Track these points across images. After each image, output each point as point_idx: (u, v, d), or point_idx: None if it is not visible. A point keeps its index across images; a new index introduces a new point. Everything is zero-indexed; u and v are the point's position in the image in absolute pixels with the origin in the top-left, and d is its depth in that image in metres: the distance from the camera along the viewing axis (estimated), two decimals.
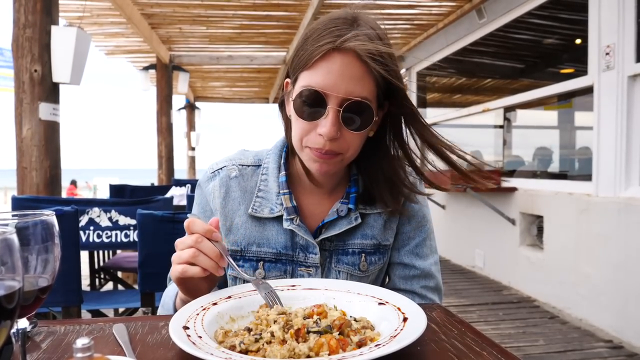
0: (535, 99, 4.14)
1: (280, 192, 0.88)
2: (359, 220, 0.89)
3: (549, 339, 2.86)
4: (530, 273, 3.78)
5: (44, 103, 2.54)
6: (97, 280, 2.85)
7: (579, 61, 3.47)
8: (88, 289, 2.71)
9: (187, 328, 0.58)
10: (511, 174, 4.61)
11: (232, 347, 0.55)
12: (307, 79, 0.78)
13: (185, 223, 0.71)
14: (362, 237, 0.90)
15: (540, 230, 3.79)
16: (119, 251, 3.24)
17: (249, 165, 0.92)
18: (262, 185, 0.90)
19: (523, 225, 3.95)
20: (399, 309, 0.62)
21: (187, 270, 0.69)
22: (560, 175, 4.52)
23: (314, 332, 0.56)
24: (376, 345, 0.51)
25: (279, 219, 0.88)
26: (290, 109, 0.84)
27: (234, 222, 0.89)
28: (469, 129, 6.73)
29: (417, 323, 0.55)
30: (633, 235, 2.80)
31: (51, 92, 2.59)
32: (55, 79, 2.60)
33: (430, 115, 6.39)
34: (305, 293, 0.71)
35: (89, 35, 2.86)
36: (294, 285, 0.74)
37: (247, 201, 0.89)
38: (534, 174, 4.71)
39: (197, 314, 0.63)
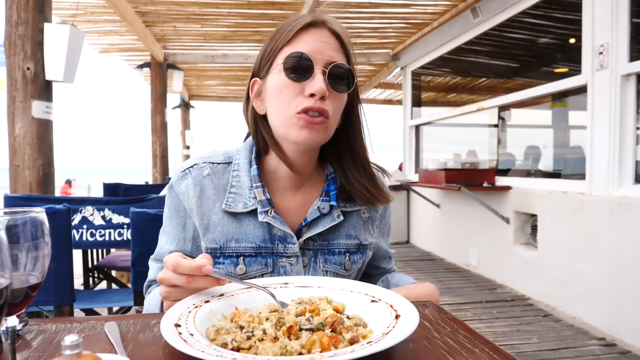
0: (530, 98, 4.16)
1: (253, 185, 0.89)
2: (341, 218, 0.91)
3: (543, 337, 2.88)
4: (524, 271, 3.80)
5: (36, 101, 2.52)
6: (90, 279, 2.83)
7: (572, 60, 3.48)
8: (81, 288, 2.69)
9: (179, 326, 0.57)
10: (506, 172, 4.63)
11: (224, 345, 0.55)
12: (290, 50, 0.83)
13: (172, 266, 0.68)
14: (347, 237, 0.93)
15: (534, 228, 3.82)
16: (112, 250, 3.23)
17: (219, 163, 0.92)
18: (235, 181, 0.90)
19: (517, 224, 3.97)
20: (391, 306, 0.62)
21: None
22: (554, 174, 4.54)
23: (306, 330, 0.56)
24: (368, 342, 0.51)
25: (253, 213, 0.88)
26: (268, 89, 0.87)
27: (211, 220, 0.88)
28: (464, 128, 6.76)
29: (409, 320, 0.55)
30: (626, 233, 2.83)
31: (44, 90, 2.56)
32: (48, 76, 2.58)
33: (425, 114, 6.41)
34: (297, 291, 0.71)
35: (82, 32, 2.84)
36: (286, 283, 0.74)
37: (221, 198, 0.89)
38: (528, 173, 4.74)
39: (189, 312, 0.63)
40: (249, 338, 0.55)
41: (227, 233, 0.87)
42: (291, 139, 0.84)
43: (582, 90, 3.35)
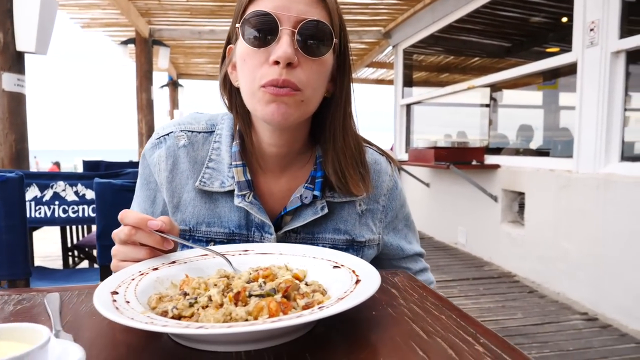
0: (520, 76, 4.09)
1: (232, 163, 0.78)
2: (326, 210, 0.79)
3: (527, 313, 2.90)
4: (511, 249, 3.81)
5: (7, 73, 2.42)
6: (70, 259, 2.77)
7: (564, 40, 3.42)
8: (61, 267, 2.63)
9: (116, 293, 0.52)
10: (496, 151, 4.61)
11: (164, 313, 0.50)
12: (251, 10, 0.70)
13: (119, 215, 0.64)
14: (334, 231, 0.81)
15: (521, 206, 3.81)
16: (94, 228, 3.16)
17: (200, 132, 0.81)
18: (214, 155, 0.79)
19: (505, 202, 3.96)
20: (353, 271, 0.57)
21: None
22: (543, 153, 4.52)
23: (256, 296, 0.51)
24: (319, 308, 0.46)
25: (231, 193, 0.78)
26: (237, 58, 0.74)
27: (182, 198, 0.79)
28: (456, 109, 6.72)
29: (368, 285, 0.51)
30: (611, 210, 2.82)
31: (15, 62, 2.46)
32: (19, 47, 2.47)
33: (416, 93, 6.33)
34: (257, 258, 0.66)
35: (55, 1, 2.71)
36: (246, 250, 0.69)
37: (197, 174, 0.79)
38: (517, 152, 4.72)
39: (132, 279, 0.57)
40: (191, 305, 0.50)
41: (199, 215, 0.79)
42: (259, 117, 0.72)
43: (572, 71, 3.29)
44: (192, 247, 0.68)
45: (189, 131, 0.82)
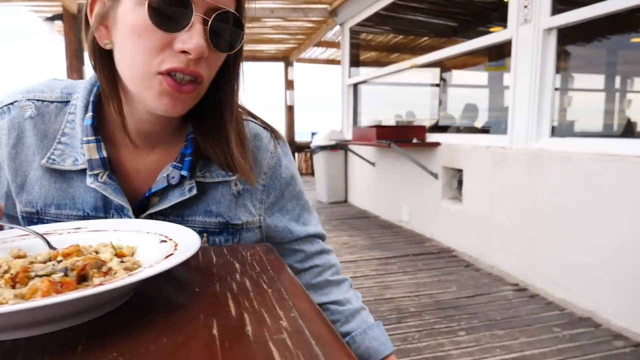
0: (459, 54, 4.15)
1: (83, 139, 0.69)
2: (194, 192, 0.72)
3: (461, 286, 2.98)
4: (451, 225, 3.91)
5: None
6: None
7: (506, 20, 3.47)
8: None
9: None
10: (444, 130, 4.68)
11: None
12: None
13: None
14: (206, 214, 0.75)
15: (460, 183, 3.91)
16: None
17: (52, 102, 0.71)
18: (68, 128, 0.70)
19: (445, 179, 4.04)
20: (176, 245, 0.51)
21: None
22: (486, 131, 4.64)
23: (41, 277, 0.44)
24: (95, 286, 0.40)
25: (86, 172, 0.70)
26: (119, 21, 0.61)
27: (28, 176, 0.70)
28: (407, 90, 6.78)
29: (174, 260, 0.45)
30: (540, 184, 2.93)
31: None
32: None
33: (363, 73, 6.32)
34: (88, 236, 0.59)
35: None
36: (78, 228, 0.61)
37: (46, 150, 0.70)
38: (457, 130, 4.82)
39: None
40: None
41: (47, 195, 0.70)
42: (147, 104, 0.64)
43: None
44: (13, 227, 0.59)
45: (38, 100, 0.71)
